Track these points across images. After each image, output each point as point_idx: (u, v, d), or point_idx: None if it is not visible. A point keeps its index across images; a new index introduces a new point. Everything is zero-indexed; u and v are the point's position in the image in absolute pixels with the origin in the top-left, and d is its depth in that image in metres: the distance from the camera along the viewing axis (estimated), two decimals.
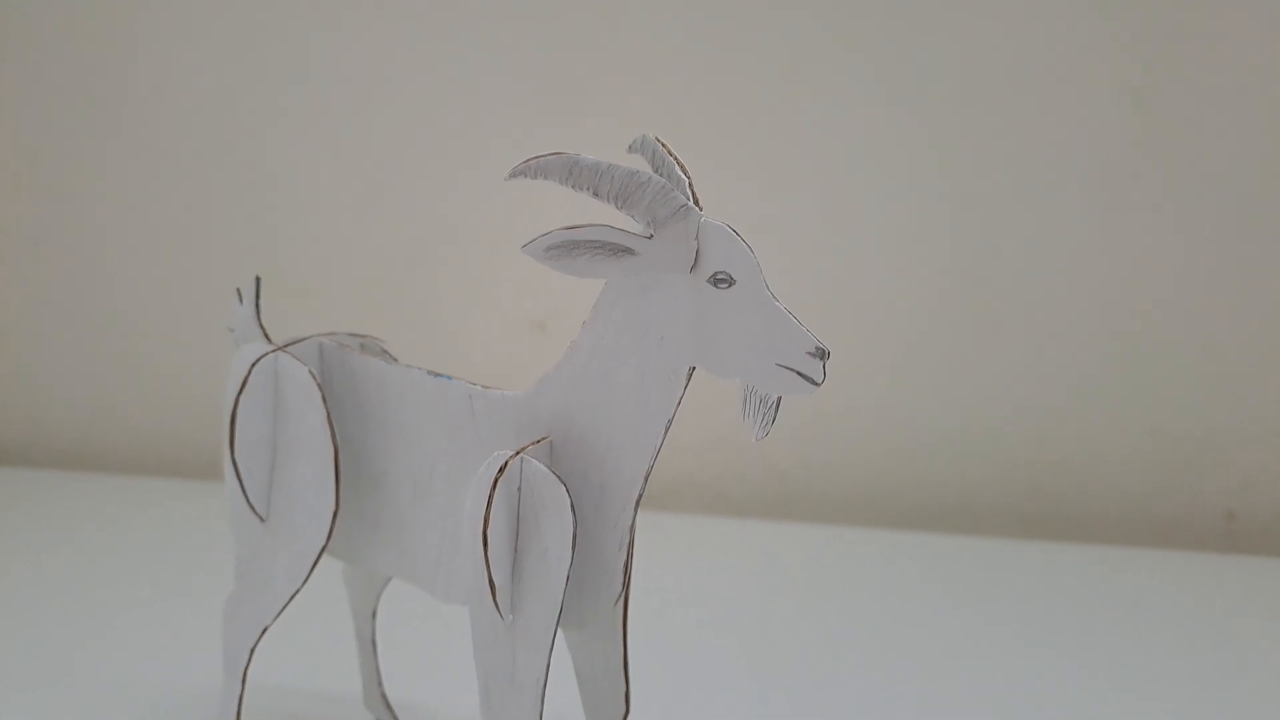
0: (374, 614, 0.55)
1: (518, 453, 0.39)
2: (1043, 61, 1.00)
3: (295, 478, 0.45)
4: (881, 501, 1.06)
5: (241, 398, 0.45)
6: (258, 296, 0.50)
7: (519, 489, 0.39)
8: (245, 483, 0.45)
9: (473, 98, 1.06)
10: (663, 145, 0.39)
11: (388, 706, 0.56)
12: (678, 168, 0.38)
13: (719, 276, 0.37)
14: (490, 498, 0.38)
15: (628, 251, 0.37)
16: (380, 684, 0.56)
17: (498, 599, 0.39)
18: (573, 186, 0.37)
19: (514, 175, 0.38)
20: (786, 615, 0.78)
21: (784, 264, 1.03)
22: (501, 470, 0.38)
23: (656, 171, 0.40)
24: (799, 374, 0.38)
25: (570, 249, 0.37)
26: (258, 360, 0.46)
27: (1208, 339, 1.01)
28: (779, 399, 0.39)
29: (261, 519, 0.46)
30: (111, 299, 1.14)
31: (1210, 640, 0.76)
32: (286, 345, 0.47)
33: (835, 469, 1.07)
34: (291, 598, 0.47)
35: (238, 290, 0.51)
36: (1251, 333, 1.01)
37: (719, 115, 1.03)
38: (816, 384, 0.38)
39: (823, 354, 0.38)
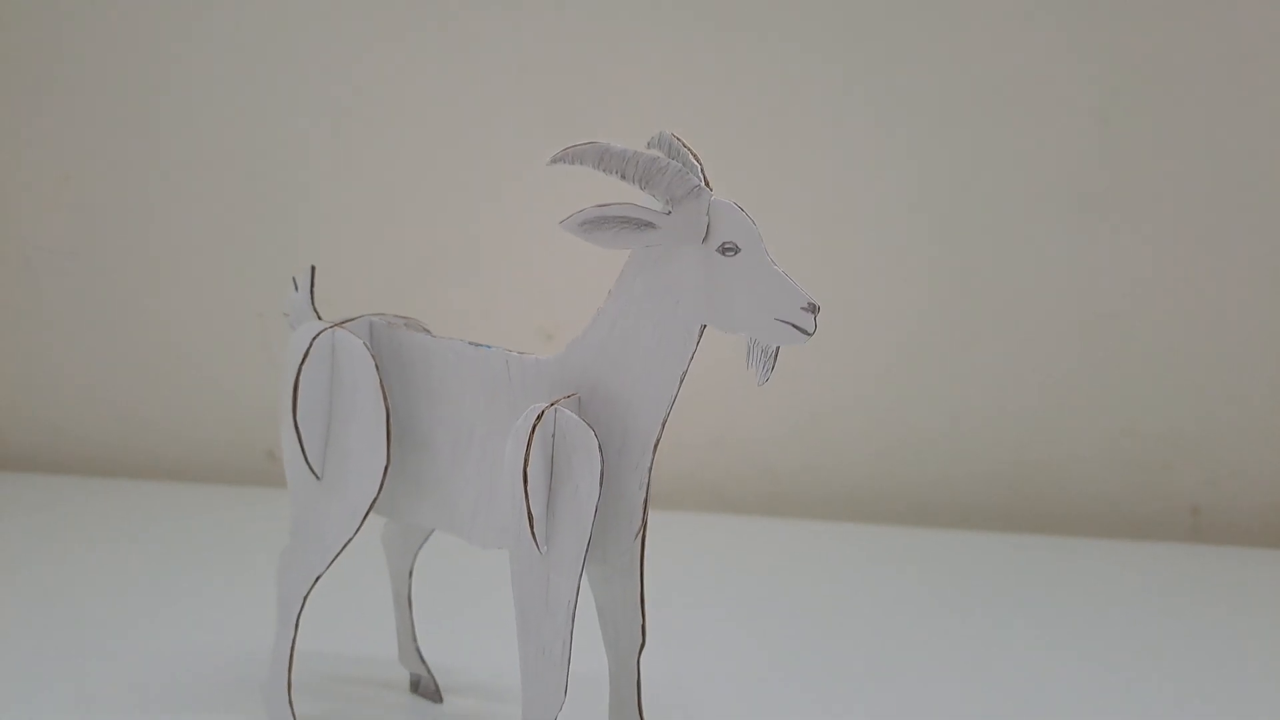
0: (410, 573, 0.61)
1: (551, 404, 0.45)
2: (1019, 85, 1.07)
3: (349, 439, 0.51)
4: (869, 499, 1.11)
5: (304, 367, 0.51)
6: (312, 284, 0.56)
7: (553, 435, 0.45)
8: (305, 445, 0.51)
9: (486, 115, 1.13)
10: (677, 138, 0.45)
11: (422, 660, 0.62)
12: (691, 156, 0.45)
13: (726, 246, 0.43)
14: (529, 443, 0.44)
15: (649, 225, 0.43)
16: (415, 640, 0.62)
17: (535, 531, 0.44)
18: (603, 170, 0.43)
19: (554, 161, 0.44)
20: (780, 605, 0.82)
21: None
22: (538, 420, 0.44)
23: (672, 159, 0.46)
24: (794, 326, 0.43)
25: (600, 224, 0.43)
26: (318, 334, 0.51)
27: (1174, 345, 1.08)
28: (778, 349, 0.45)
29: (318, 477, 0.52)
30: (139, 312, 1.19)
31: (1177, 625, 0.80)
32: (341, 323, 0.53)
33: (825, 469, 1.12)
34: (342, 549, 0.52)
35: (294, 279, 0.56)
36: (1214, 339, 1.08)
37: (716, 131, 1.10)
38: (809, 334, 0.43)
39: (814, 308, 0.43)
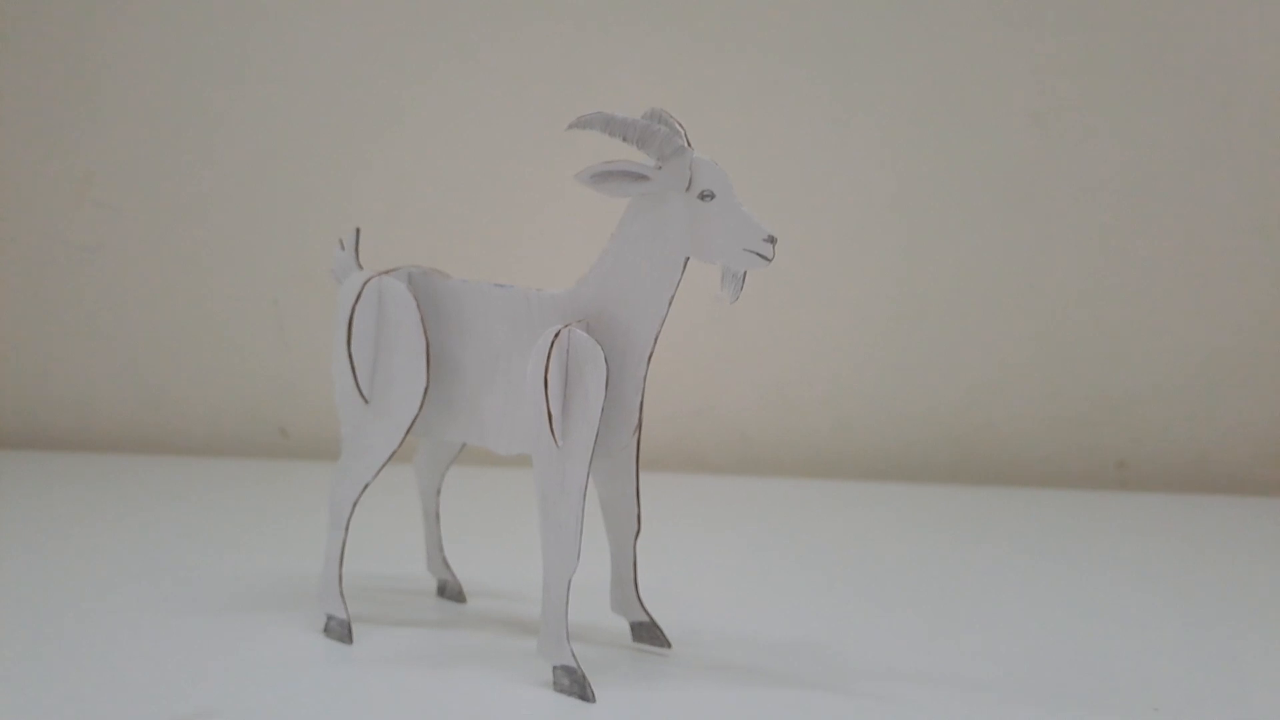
0: (438, 491, 0.71)
1: (565, 326, 0.56)
2: (963, 90, 1.20)
3: (394, 368, 0.61)
4: (833, 459, 1.22)
5: (357, 307, 0.61)
6: (357, 243, 0.66)
7: (567, 351, 0.55)
8: (357, 372, 0.61)
9: (495, 116, 1.24)
10: (665, 111, 0.56)
11: (447, 567, 0.72)
12: (677, 124, 0.56)
13: (705, 193, 0.53)
14: (549, 357, 0.55)
15: (643, 178, 0.54)
16: (441, 549, 0.72)
17: (554, 428, 0.55)
18: (608, 133, 0.54)
19: (570, 128, 0.55)
20: (753, 551, 0.90)
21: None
22: (555, 338, 0.55)
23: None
24: (758, 254, 0.53)
25: (606, 177, 0.54)
26: (368, 280, 0.62)
27: (1101, 320, 1.20)
28: (745, 273, 0.55)
29: (366, 401, 0.62)
30: (160, 301, 1.27)
31: (1104, 561, 0.88)
32: (385, 272, 0.63)
33: (794, 434, 1.24)
34: (386, 461, 0.62)
35: (340, 240, 0.66)
36: (1137, 314, 1.20)
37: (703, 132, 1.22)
38: (769, 260, 0.53)
39: (772, 240, 0.53)
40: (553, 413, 0.55)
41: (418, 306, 0.61)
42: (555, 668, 0.56)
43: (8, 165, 1.29)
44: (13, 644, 0.61)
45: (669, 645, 0.63)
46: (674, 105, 0.61)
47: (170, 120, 1.27)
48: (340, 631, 0.63)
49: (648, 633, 0.63)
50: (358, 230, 0.66)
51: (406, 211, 1.25)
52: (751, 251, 0.53)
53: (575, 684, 0.56)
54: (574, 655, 0.56)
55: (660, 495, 1.06)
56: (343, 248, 0.66)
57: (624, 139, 0.54)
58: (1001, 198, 1.20)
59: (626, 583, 0.63)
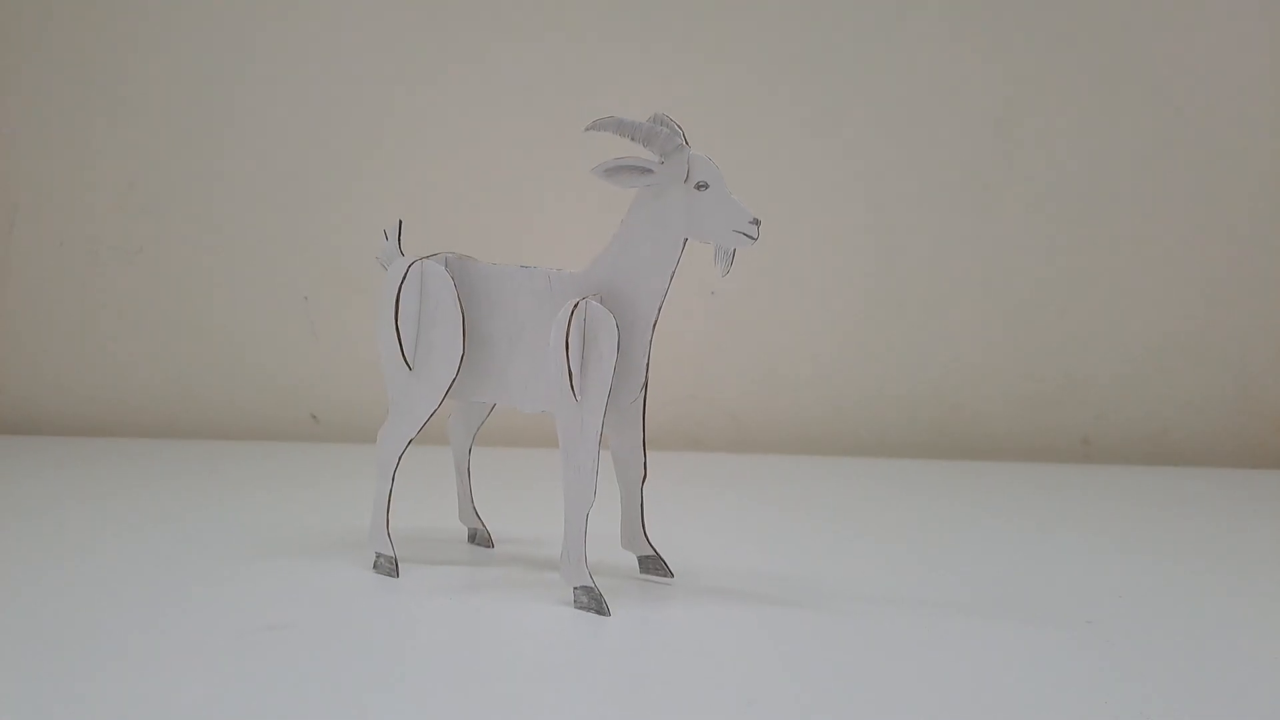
0: (469, 449, 0.81)
1: (583, 299, 0.65)
2: (932, 97, 1.30)
3: (435, 338, 0.69)
4: (820, 437, 1.32)
5: (403, 287, 0.71)
6: (400, 234, 0.74)
7: (585, 319, 0.65)
8: (403, 343, 0.71)
9: (509, 120, 1.33)
10: (667, 115, 0.66)
11: (477, 516, 0.82)
12: (676, 126, 0.66)
13: (700, 183, 0.62)
14: (569, 324, 0.65)
15: (648, 171, 0.63)
16: (472, 500, 0.82)
17: (573, 384, 0.65)
18: (619, 134, 0.63)
19: (588, 130, 0.64)
20: (747, 515, 0.97)
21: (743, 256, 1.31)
22: (574, 309, 0.65)
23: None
24: (745, 235, 0.63)
25: (617, 170, 0.64)
26: (411, 264, 0.72)
27: (1064, 307, 1.30)
28: (734, 251, 0.64)
29: (410, 368, 0.72)
30: (199, 299, 1.35)
31: (1068, 523, 0.94)
32: (425, 257, 0.73)
33: (783, 415, 1.33)
34: (428, 419, 0.70)
35: (384, 231, 0.74)
36: (1097, 302, 1.30)
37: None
38: (754, 240, 0.62)
39: (757, 222, 0.62)
40: (572, 371, 0.64)
41: (455, 286, 0.70)
42: (575, 589, 0.65)
43: (53, 171, 1.37)
44: (126, 583, 0.70)
45: (672, 575, 0.72)
46: (674, 107, 0.71)
47: (206, 129, 1.34)
48: (388, 567, 0.71)
49: (653, 564, 0.72)
50: (400, 222, 0.74)
51: (430, 209, 1.34)
52: (740, 232, 0.62)
53: (593, 600, 0.64)
54: (591, 577, 0.65)
55: (659, 472, 1.14)
56: (386, 238, 0.74)
57: (632, 139, 0.63)
58: (969, 196, 1.30)
59: (634, 521, 0.72)
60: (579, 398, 0.64)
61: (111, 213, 1.37)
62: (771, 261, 1.31)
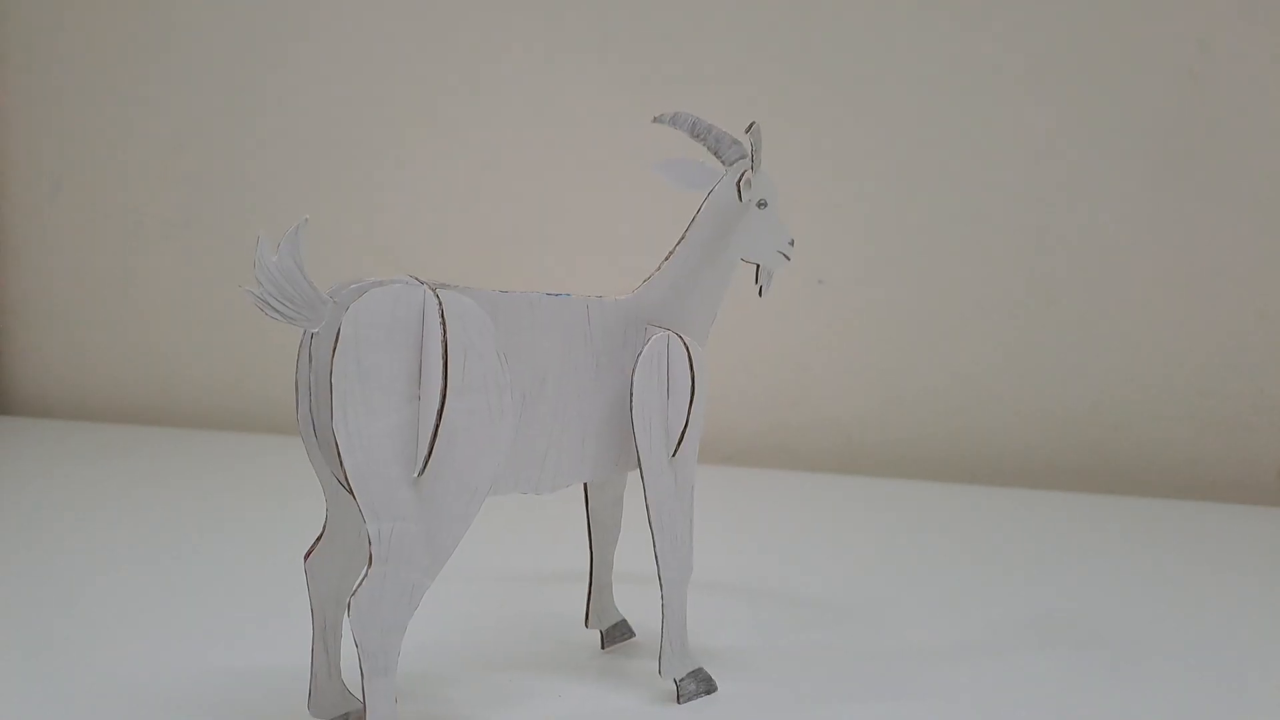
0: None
1: (663, 332, 0.54)
2: (1104, 44, 1.06)
3: (463, 411, 0.45)
4: (945, 460, 1.12)
5: (448, 332, 0.46)
6: (299, 242, 0.44)
7: (668, 357, 0.54)
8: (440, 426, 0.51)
9: (574, 107, 1.17)
10: (759, 127, 0.58)
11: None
12: (759, 140, 0.58)
13: (761, 201, 0.59)
14: (667, 366, 0.53)
15: (712, 174, 0.59)
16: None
17: (682, 438, 0.54)
18: (690, 134, 0.58)
19: (656, 121, 0.59)
20: (854, 551, 0.85)
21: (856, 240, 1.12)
22: (667, 346, 0.54)
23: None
24: (784, 255, 0.60)
25: (679, 169, 0.59)
26: (430, 296, 0.46)
27: (1265, 309, 1.06)
28: (772, 272, 0.61)
29: (421, 471, 0.48)
30: (235, 278, 1.27)
31: (1259, 586, 0.79)
32: (369, 285, 0.46)
33: (900, 431, 1.13)
34: (453, 551, 0.48)
35: (259, 240, 0.44)
36: None
37: (789, 103, 1.12)
38: (789, 260, 0.60)
39: (792, 242, 0.60)
40: (687, 424, 0.54)
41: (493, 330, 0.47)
42: (679, 680, 0.55)
43: (97, 144, 1.29)
44: (198, 555, 0.78)
45: (634, 634, 0.62)
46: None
47: (258, 113, 1.24)
48: None
49: (619, 631, 0.62)
50: (305, 220, 0.45)
51: (482, 203, 1.20)
52: (782, 253, 0.60)
53: (701, 683, 0.55)
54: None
55: (748, 492, 1.02)
56: (276, 250, 0.44)
57: (703, 142, 0.58)
58: (1149, 170, 1.07)
59: (605, 590, 0.61)
60: (676, 454, 0.54)
61: (151, 186, 1.30)
62: (892, 246, 1.11)
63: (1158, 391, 1.08)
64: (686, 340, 0.55)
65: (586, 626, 0.60)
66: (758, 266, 0.60)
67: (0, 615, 0.66)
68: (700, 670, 0.55)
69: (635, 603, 0.64)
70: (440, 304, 0.44)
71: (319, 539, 0.49)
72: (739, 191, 0.57)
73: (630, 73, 1.15)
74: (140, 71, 1.29)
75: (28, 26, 1.33)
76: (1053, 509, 1.00)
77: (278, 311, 0.43)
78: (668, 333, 0.54)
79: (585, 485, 0.59)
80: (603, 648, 0.61)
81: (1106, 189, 1.07)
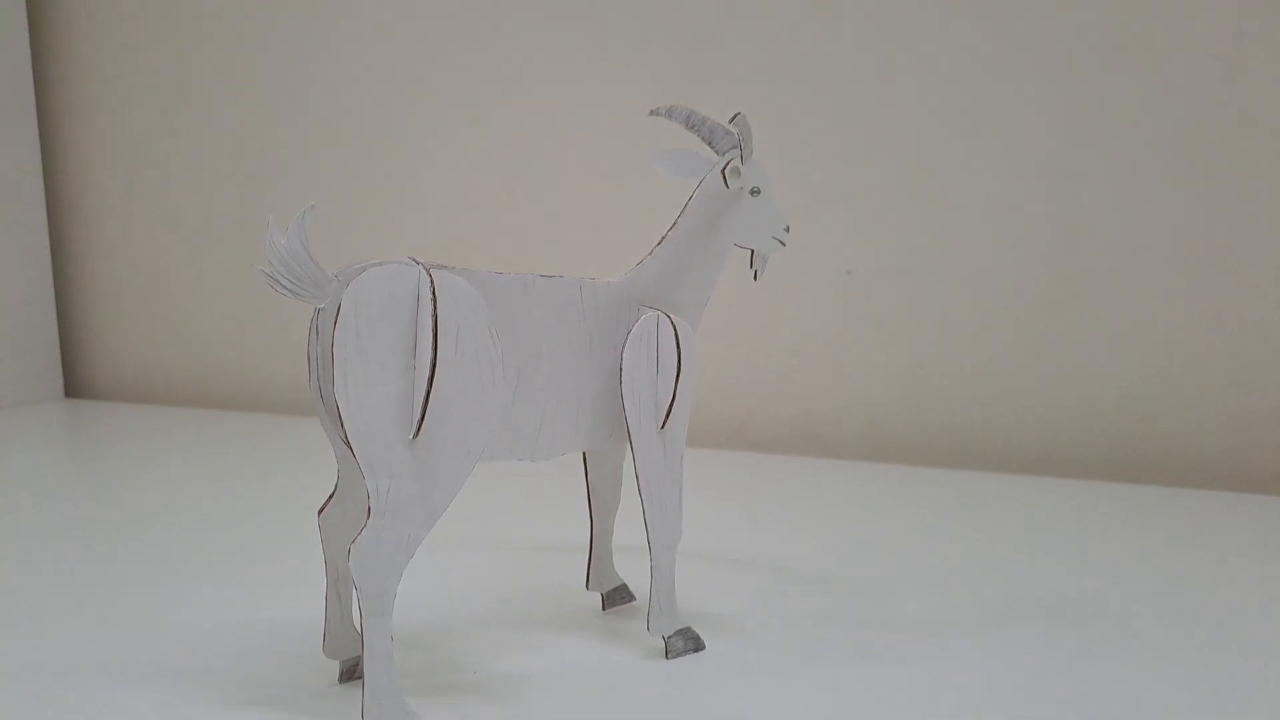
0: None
1: (653, 312, 0.57)
2: (1132, 28, 1.05)
3: (452, 382, 0.49)
4: (971, 449, 1.13)
5: (439, 309, 0.51)
6: (305, 229, 0.48)
7: (658, 335, 0.57)
8: (432, 393, 0.55)
9: (603, 104, 1.21)
10: (745, 119, 0.60)
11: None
12: (749, 131, 0.60)
13: (754, 189, 0.61)
14: (658, 344, 0.56)
15: (706, 163, 0.61)
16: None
17: (670, 410, 0.56)
18: (686, 126, 0.60)
19: (653, 114, 0.61)
20: (869, 534, 0.86)
21: (887, 230, 1.13)
22: (657, 325, 0.57)
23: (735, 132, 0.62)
24: (779, 241, 0.62)
25: (688, 160, 0.62)
26: (429, 274, 0.53)
27: None
28: (767, 257, 0.63)
29: (416, 433, 0.49)
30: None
31: None
32: (372, 265, 0.49)
33: (928, 420, 1.14)
34: (447, 506, 0.51)
35: (271, 223, 0.48)
36: None
37: (833, 80, 1.14)
38: (784, 245, 0.62)
39: (788, 229, 0.62)
40: (677, 396, 0.57)
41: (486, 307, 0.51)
42: (668, 638, 0.58)
43: (163, 149, 1.36)
44: (236, 518, 0.83)
45: (634, 598, 0.66)
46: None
47: (308, 116, 1.30)
48: None
49: (619, 594, 0.65)
50: (311, 206, 0.49)
51: (515, 197, 1.24)
52: (777, 238, 0.62)
53: (689, 641, 0.59)
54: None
55: (781, 480, 1.04)
56: (284, 234, 0.48)
57: (697, 133, 0.60)
58: (1181, 157, 1.06)
59: (605, 557, 0.64)
60: (664, 427, 0.57)
61: (212, 186, 1.35)
62: (920, 237, 1.12)
63: (1187, 382, 1.07)
64: (675, 320, 0.57)
65: (587, 589, 0.64)
66: (752, 252, 0.62)
67: (76, 565, 0.74)
68: (688, 629, 0.58)
69: (637, 571, 0.68)
70: (432, 282, 0.48)
71: (330, 497, 0.53)
72: (724, 179, 0.59)
73: (663, 68, 1.18)
74: (199, 85, 1.36)
75: (99, 42, 1.41)
76: (1079, 498, 0.99)
77: (286, 288, 0.48)
78: (658, 313, 0.57)
79: (585, 456, 0.62)
80: (604, 609, 0.64)
81: (1137, 178, 1.06)
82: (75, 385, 1.51)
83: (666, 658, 0.57)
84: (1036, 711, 0.52)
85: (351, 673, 0.55)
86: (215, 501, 0.92)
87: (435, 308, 0.48)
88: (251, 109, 1.35)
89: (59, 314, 1.49)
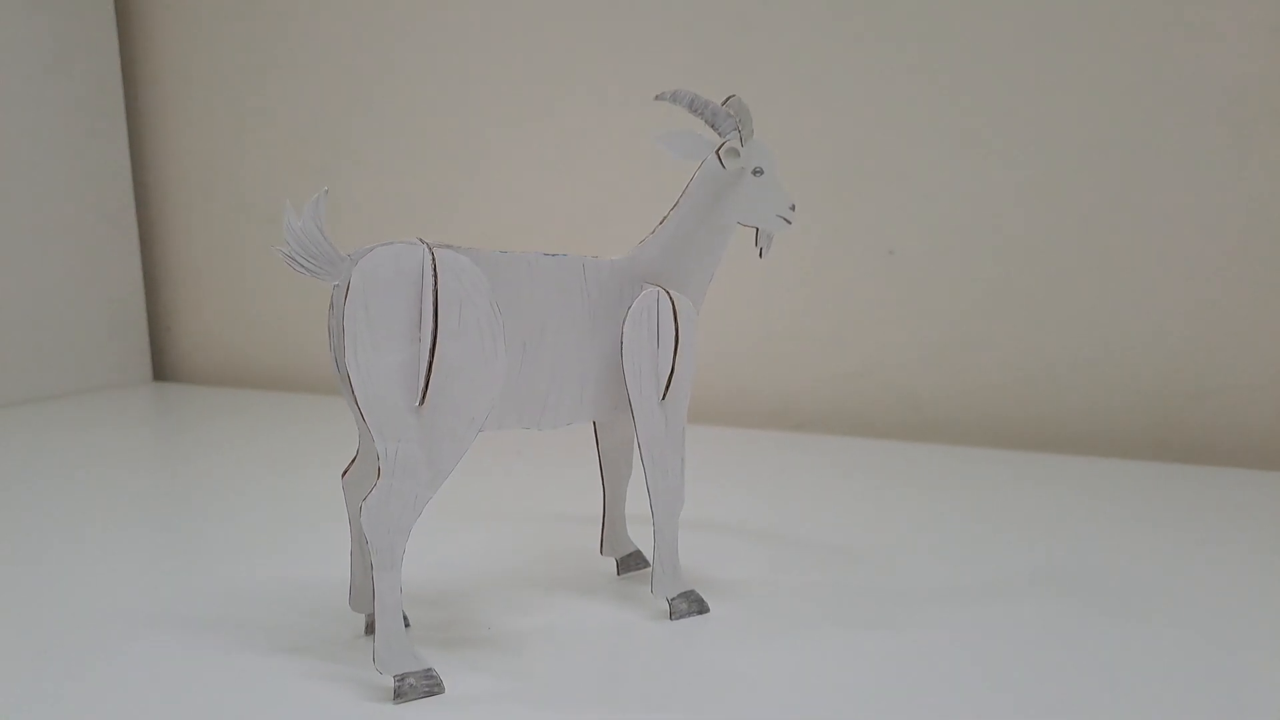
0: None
1: (653, 288, 0.60)
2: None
3: (456, 353, 0.52)
4: (1015, 429, 1.12)
5: (439, 285, 0.57)
6: (321, 210, 0.53)
7: (658, 310, 0.59)
8: (434, 363, 0.59)
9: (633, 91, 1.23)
10: (741, 101, 0.61)
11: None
12: (747, 112, 0.61)
13: (757, 169, 0.62)
14: (658, 318, 0.58)
15: (708, 144, 0.62)
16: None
17: (669, 382, 0.59)
18: (689, 109, 0.61)
19: (658, 99, 0.62)
20: (899, 511, 0.86)
21: (927, 209, 1.12)
22: (658, 301, 0.59)
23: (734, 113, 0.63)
24: (785, 219, 0.63)
25: (689, 141, 0.62)
26: (432, 253, 0.56)
27: None
28: (772, 235, 0.64)
29: (421, 400, 0.53)
30: None
31: None
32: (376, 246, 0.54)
33: (968, 398, 1.14)
34: (453, 468, 0.54)
35: (290, 205, 0.53)
36: None
37: (875, 47, 1.14)
38: (790, 224, 0.63)
39: (793, 207, 0.63)
40: (674, 370, 0.59)
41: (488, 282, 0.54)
42: (672, 600, 0.61)
43: (245, 147, 1.43)
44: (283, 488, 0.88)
45: (649, 564, 0.67)
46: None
47: (372, 111, 1.35)
48: (424, 686, 0.52)
49: (633, 560, 0.68)
50: (325, 191, 0.53)
51: (556, 188, 1.27)
52: (782, 217, 0.63)
53: (693, 603, 0.61)
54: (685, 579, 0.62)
55: (824, 458, 1.05)
56: (298, 217, 0.52)
57: (700, 116, 0.62)
58: (1232, 127, 1.03)
59: (618, 522, 0.67)
60: (665, 397, 0.60)
61: (287, 175, 1.41)
62: (963, 215, 1.11)
63: (1238, 360, 1.05)
64: (674, 295, 0.59)
65: (601, 554, 0.67)
66: (757, 230, 0.64)
67: (155, 530, 0.81)
68: (692, 592, 0.61)
69: (650, 539, 0.70)
70: (434, 259, 0.51)
71: (352, 461, 0.57)
72: (720, 161, 0.60)
73: (707, 50, 1.19)
74: (271, 84, 1.42)
75: (181, 47, 1.49)
76: (1125, 477, 0.98)
77: (302, 267, 0.52)
78: (658, 289, 0.59)
79: (595, 427, 0.65)
80: (618, 574, 0.67)
81: (1183, 149, 1.04)
82: (163, 369, 1.60)
83: (670, 619, 0.60)
84: (1028, 685, 0.53)
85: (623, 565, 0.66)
86: (284, 476, 0.98)
87: (436, 283, 0.50)
88: (319, 104, 1.41)
89: (147, 302, 1.59)
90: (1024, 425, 1.12)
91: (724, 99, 0.62)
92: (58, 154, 1.40)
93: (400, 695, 0.51)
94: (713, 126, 0.62)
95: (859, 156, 1.15)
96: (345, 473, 0.58)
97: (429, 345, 0.50)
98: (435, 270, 0.51)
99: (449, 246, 0.54)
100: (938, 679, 0.53)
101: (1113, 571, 0.70)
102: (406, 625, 0.58)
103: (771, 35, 1.16)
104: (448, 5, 1.32)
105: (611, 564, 0.69)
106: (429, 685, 0.51)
